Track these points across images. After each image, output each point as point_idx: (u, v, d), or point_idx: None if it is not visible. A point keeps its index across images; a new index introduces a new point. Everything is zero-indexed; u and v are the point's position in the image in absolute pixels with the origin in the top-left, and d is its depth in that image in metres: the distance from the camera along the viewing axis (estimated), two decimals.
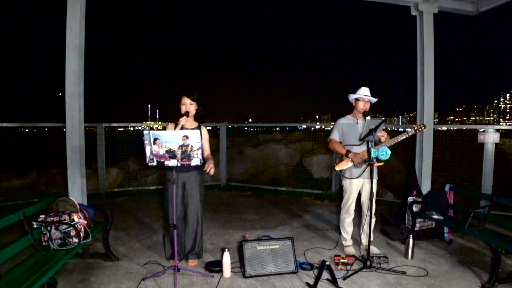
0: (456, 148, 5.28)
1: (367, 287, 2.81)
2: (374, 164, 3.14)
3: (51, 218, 2.83)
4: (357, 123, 3.41)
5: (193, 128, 3.11)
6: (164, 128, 3.11)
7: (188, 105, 3.08)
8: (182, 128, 2.97)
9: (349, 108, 3.55)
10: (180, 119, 2.99)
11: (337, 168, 3.43)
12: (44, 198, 3.25)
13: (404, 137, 3.21)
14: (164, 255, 3.36)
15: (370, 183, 3.12)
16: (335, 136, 3.47)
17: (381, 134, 3.21)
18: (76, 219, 2.89)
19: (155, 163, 2.73)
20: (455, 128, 5.80)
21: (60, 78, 3.67)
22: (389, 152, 2.98)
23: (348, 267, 3.10)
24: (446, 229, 3.81)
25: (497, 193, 3.42)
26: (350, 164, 3.35)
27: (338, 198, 5.63)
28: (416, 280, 2.91)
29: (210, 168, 2.96)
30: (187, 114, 3.03)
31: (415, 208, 3.89)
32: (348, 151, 3.31)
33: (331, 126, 3.74)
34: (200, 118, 3.22)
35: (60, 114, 3.85)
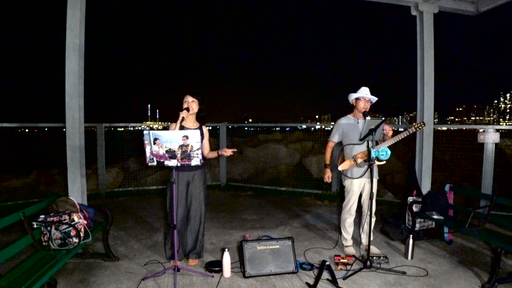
0: (456, 148, 5.28)
1: (367, 287, 2.81)
2: (375, 164, 3.15)
3: (51, 218, 2.83)
4: (358, 122, 3.41)
5: (195, 129, 3.12)
6: (165, 128, 3.13)
7: (190, 102, 3.10)
8: (182, 121, 2.99)
9: (348, 109, 3.56)
10: (181, 113, 2.99)
11: (340, 168, 3.42)
12: (44, 198, 3.25)
13: (404, 135, 3.21)
14: (164, 255, 3.36)
15: (371, 183, 3.12)
16: (334, 138, 3.49)
17: (389, 129, 3.22)
18: (76, 219, 2.89)
19: (155, 163, 2.74)
20: (455, 128, 5.79)
21: (60, 78, 3.67)
22: (389, 152, 2.98)
23: (348, 267, 3.10)
24: (446, 229, 3.81)
25: (497, 193, 3.41)
26: (353, 163, 3.35)
27: (338, 198, 5.63)
28: (416, 280, 2.91)
29: (228, 151, 3.08)
30: (187, 109, 3.05)
31: (415, 208, 3.89)
32: (326, 164, 3.49)
33: (331, 126, 3.74)
34: (202, 119, 3.24)
35: (60, 114, 3.84)
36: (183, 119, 3.00)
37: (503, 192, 4.73)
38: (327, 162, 3.51)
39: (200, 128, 3.16)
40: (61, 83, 3.65)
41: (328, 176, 3.48)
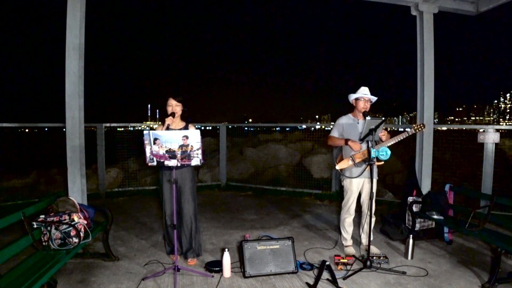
0: (456, 148, 5.28)
1: (367, 287, 2.81)
2: (375, 164, 3.15)
3: (51, 218, 2.83)
4: (358, 122, 3.41)
5: (181, 128, 3.15)
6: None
7: (174, 106, 3.12)
8: (168, 128, 3.02)
9: (348, 109, 3.56)
10: (166, 119, 3.03)
11: (338, 167, 3.42)
12: (44, 198, 3.25)
13: (404, 136, 3.21)
14: (165, 252, 3.42)
15: (370, 182, 3.12)
16: (334, 133, 3.50)
17: (382, 134, 3.23)
18: (76, 219, 2.89)
19: (155, 163, 2.74)
20: (455, 128, 5.79)
21: (60, 78, 3.67)
22: (389, 152, 2.98)
23: (348, 267, 3.10)
24: (446, 229, 3.81)
25: (497, 193, 3.41)
26: (350, 163, 3.35)
27: (338, 198, 5.63)
28: (416, 280, 2.91)
29: None
30: (173, 114, 3.09)
31: (415, 208, 3.89)
32: (347, 140, 3.31)
33: (331, 126, 3.74)
34: (186, 118, 3.27)
35: (60, 114, 3.85)
36: (168, 125, 3.03)
37: (503, 192, 4.73)
38: (342, 141, 3.33)
39: (187, 127, 3.19)
40: (61, 83, 3.65)
41: (358, 145, 3.28)
